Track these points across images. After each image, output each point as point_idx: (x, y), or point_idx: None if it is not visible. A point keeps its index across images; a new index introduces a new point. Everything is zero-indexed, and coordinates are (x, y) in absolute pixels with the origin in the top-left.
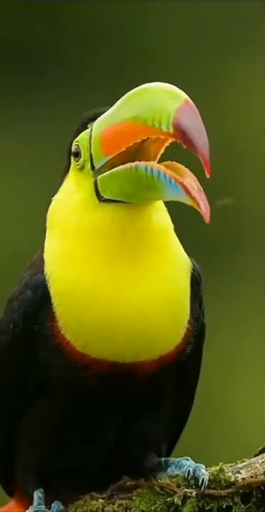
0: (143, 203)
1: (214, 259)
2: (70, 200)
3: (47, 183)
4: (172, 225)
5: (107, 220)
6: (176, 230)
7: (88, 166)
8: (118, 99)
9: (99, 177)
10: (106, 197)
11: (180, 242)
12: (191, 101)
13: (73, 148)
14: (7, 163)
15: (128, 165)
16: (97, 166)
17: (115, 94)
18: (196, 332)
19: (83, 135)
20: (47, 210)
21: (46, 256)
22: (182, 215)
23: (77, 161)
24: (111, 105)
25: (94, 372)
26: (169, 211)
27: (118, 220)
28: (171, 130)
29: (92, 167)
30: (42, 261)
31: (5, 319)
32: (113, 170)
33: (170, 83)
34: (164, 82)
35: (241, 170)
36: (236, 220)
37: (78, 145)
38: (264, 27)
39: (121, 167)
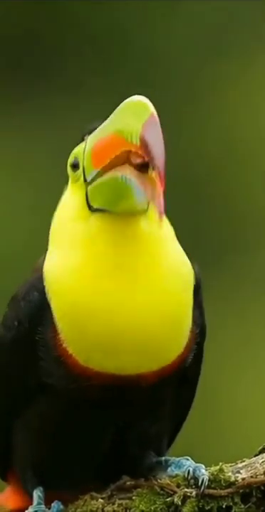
0: (126, 212)
1: (214, 259)
2: (65, 211)
3: (44, 184)
4: (172, 232)
5: (97, 229)
6: (176, 231)
7: (82, 177)
8: (119, 104)
9: (89, 187)
10: (95, 207)
11: (180, 243)
12: (155, 114)
13: (72, 160)
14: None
15: (108, 174)
16: (88, 178)
17: (116, 99)
18: (199, 338)
19: (80, 148)
20: (42, 211)
21: (46, 269)
22: (182, 215)
23: (75, 173)
24: (112, 111)
25: (95, 383)
26: (170, 211)
27: (108, 230)
28: (138, 143)
29: (85, 179)
30: (42, 273)
31: (10, 315)
32: (98, 180)
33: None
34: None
35: (243, 170)
36: (237, 220)
37: (76, 157)
38: None
39: (104, 177)
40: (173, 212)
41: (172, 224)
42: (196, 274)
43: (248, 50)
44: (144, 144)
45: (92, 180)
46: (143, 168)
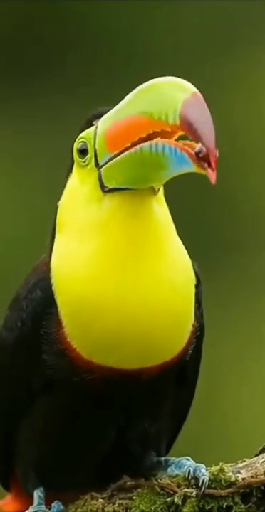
0: (148, 185)
1: (215, 259)
2: (75, 198)
3: (43, 180)
4: (173, 226)
5: (110, 209)
6: (178, 230)
7: (93, 162)
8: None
9: (103, 168)
10: (110, 187)
11: (182, 241)
12: (199, 93)
13: (79, 145)
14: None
15: (132, 149)
16: (101, 163)
17: (116, 99)
18: (198, 333)
19: (89, 132)
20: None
21: (53, 265)
22: (183, 216)
23: (83, 158)
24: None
25: (98, 376)
26: (171, 212)
27: (122, 210)
28: (178, 122)
29: (97, 163)
30: (48, 268)
31: (11, 317)
32: (117, 158)
33: None
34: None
35: (245, 170)
36: (239, 220)
37: (84, 141)
38: None
39: (125, 153)
40: (174, 212)
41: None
42: (196, 271)
43: (252, 50)
44: (186, 122)
45: (106, 163)
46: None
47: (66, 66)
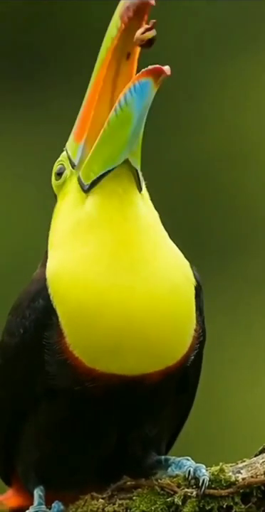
0: (123, 158)
1: (216, 260)
2: (60, 211)
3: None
4: (164, 230)
5: (95, 207)
6: (179, 232)
7: (69, 168)
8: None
9: (81, 169)
10: (89, 181)
11: (183, 244)
12: None
13: (57, 168)
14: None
15: (102, 130)
16: (75, 161)
17: None
18: (201, 338)
19: (62, 155)
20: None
21: (48, 276)
22: (184, 216)
23: (60, 179)
24: None
25: (100, 384)
26: (172, 213)
27: (106, 205)
28: (119, 23)
29: (73, 165)
30: (45, 278)
31: (14, 322)
32: (91, 150)
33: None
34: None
35: (245, 170)
36: (240, 220)
37: (61, 163)
38: None
39: (97, 140)
40: (175, 213)
41: (173, 226)
42: (195, 275)
43: (252, 50)
44: (125, 12)
45: (81, 160)
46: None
47: (68, 71)
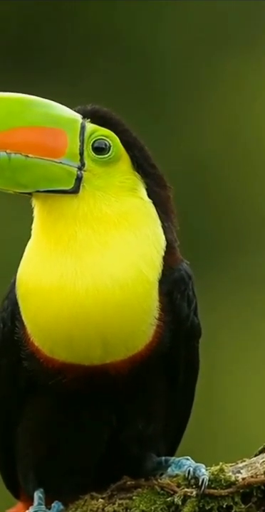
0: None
1: (216, 259)
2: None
3: None
4: (138, 210)
5: (37, 208)
6: (179, 232)
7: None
8: (122, 103)
9: None
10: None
11: (183, 243)
12: None
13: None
14: None
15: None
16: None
17: (115, 99)
18: (173, 325)
19: None
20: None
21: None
22: (184, 216)
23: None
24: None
25: (71, 377)
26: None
27: (44, 207)
28: None
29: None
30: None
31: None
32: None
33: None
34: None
35: (245, 170)
36: (240, 220)
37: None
38: None
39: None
40: (177, 213)
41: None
42: (180, 265)
43: (252, 50)
44: None
45: None
46: None
47: (68, 62)
